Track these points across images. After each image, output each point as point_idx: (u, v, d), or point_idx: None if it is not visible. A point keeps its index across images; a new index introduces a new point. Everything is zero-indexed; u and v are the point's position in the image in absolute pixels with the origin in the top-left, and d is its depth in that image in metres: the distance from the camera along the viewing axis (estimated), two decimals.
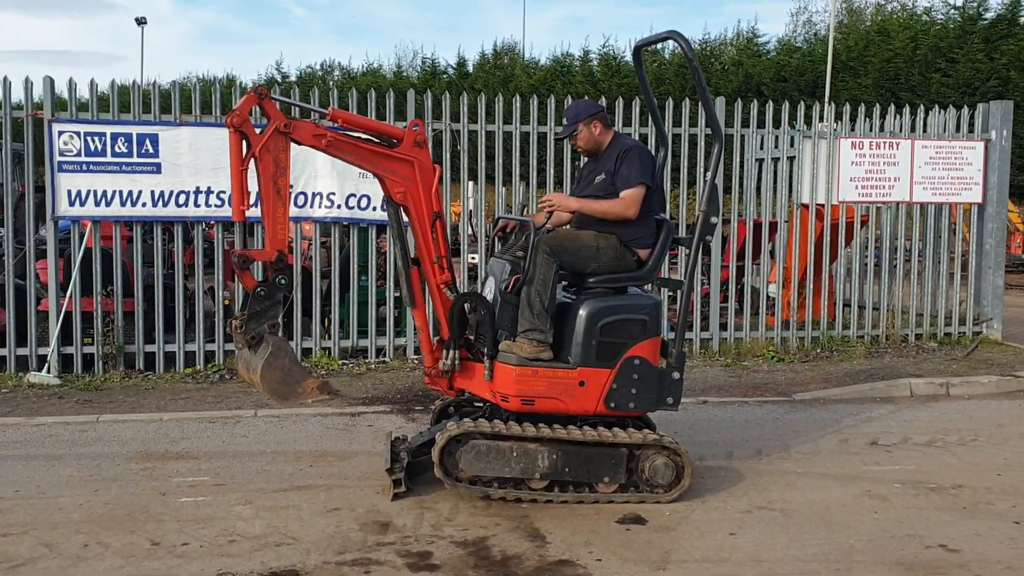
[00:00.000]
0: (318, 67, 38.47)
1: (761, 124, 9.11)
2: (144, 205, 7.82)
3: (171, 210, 7.84)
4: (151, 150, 7.83)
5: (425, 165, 4.55)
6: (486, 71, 33.51)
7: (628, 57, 30.23)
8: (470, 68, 34.88)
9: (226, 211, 7.89)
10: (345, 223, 8.41)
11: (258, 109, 4.40)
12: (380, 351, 8.48)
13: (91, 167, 7.74)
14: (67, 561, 3.90)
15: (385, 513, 4.49)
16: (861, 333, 9.38)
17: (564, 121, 5.05)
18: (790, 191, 9.21)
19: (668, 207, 8.62)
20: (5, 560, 3.87)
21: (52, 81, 7.77)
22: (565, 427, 4.64)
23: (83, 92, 7.90)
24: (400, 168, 4.51)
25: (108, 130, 7.75)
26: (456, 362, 4.69)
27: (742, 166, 9.38)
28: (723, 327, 9.06)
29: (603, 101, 8.59)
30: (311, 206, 8.20)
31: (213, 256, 8.25)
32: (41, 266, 7.87)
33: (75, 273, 7.59)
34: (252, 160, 4.27)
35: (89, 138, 7.73)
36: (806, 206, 9.24)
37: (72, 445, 5.70)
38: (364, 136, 4.58)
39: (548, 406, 4.67)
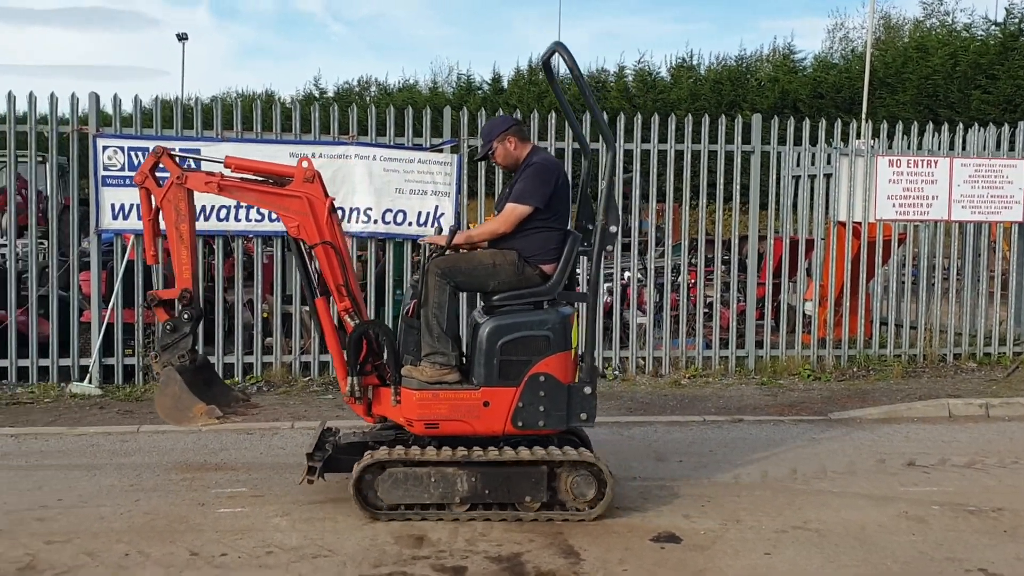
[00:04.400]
0: (355, 83, 38.77)
1: (798, 141, 9.07)
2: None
3: (212, 224, 7.97)
4: (193, 165, 7.94)
5: (316, 198, 4.69)
6: (521, 87, 33.57)
7: (664, 73, 30.24)
8: (505, 84, 35.01)
9: (266, 225, 8.01)
10: (381, 238, 8.50)
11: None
12: None
13: (134, 181, 7.88)
14: (109, 570, 3.97)
15: (419, 527, 4.53)
16: (898, 352, 9.28)
17: (480, 140, 5.10)
18: (827, 209, 9.15)
19: (703, 223, 8.67)
20: (49, 568, 3.96)
21: (97, 97, 7.95)
22: (484, 449, 4.64)
23: (126, 107, 8.07)
24: (292, 204, 4.69)
25: (151, 145, 7.87)
26: (356, 389, 4.72)
27: (778, 183, 9.34)
28: (759, 345, 9.01)
29: (638, 117, 8.63)
30: (348, 221, 8.28)
31: (252, 269, 8.37)
32: (84, 278, 8.03)
33: (117, 285, 7.74)
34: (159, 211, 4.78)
35: (133, 153, 7.89)
36: (843, 224, 9.18)
37: (113, 455, 5.80)
38: (257, 178, 4.82)
39: (453, 428, 4.67)
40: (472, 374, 4.71)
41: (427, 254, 4.83)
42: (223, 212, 7.95)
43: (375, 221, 8.34)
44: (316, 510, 4.75)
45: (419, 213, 8.38)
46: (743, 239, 9.33)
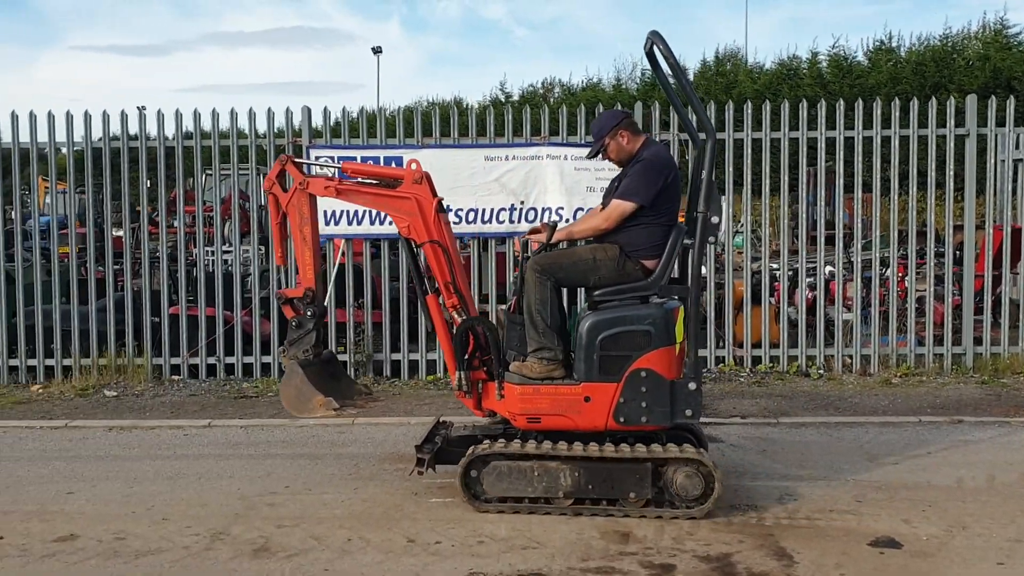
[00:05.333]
0: (539, 85, 39.28)
1: (1018, 122, 8.39)
2: (391, 223, 8.33)
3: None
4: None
5: (424, 199, 4.79)
6: (707, 78, 32.91)
7: (860, 57, 28.78)
8: (691, 76, 34.42)
9: (464, 227, 8.27)
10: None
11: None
12: None
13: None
14: (334, 554, 4.22)
15: (625, 524, 4.53)
16: None
17: (591, 139, 5.04)
18: None
19: (913, 212, 8.17)
20: (281, 550, 4.26)
21: (309, 110, 8.48)
22: (586, 444, 4.58)
23: (333, 119, 8.56)
24: (402, 205, 4.83)
25: (358, 154, 8.33)
26: (465, 383, 4.77)
27: (996, 167, 8.68)
28: (977, 342, 8.40)
29: (840, 104, 8.26)
30: (540, 221, 8.42)
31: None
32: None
33: (330, 287, 8.22)
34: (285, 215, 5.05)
35: (342, 162, 8.34)
36: None
37: (332, 446, 6.17)
38: (372, 181, 5.04)
39: (555, 423, 4.65)
40: (574, 369, 4.70)
41: (527, 249, 4.82)
42: None
43: (566, 220, 8.41)
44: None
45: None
46: (957, 229, 8.73)
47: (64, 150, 8.61)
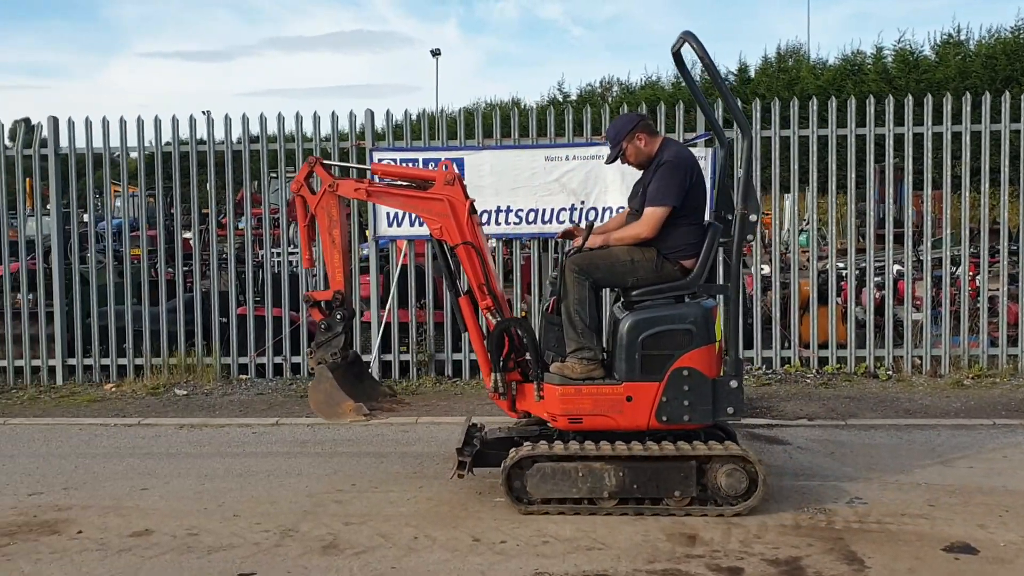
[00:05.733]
0: (597, 84, 39.19)
1: None
2: None
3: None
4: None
5: (457, 200, 4.78)
6: (769, 75, 32.47)
7: (927, 51, 28.13)
8: (752, 74, 33.98)
9: (524, 228, 8.30)
10: None
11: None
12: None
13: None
14: (400, 551, 4.26)
15: (691, 526, 4.50)
16: None
17: (608, 144, 5.02)
18: None
19: (985, 209, 7.95)
20: (349, 547, 4.31)
21: (372, 113, 8.58)
22: (629, 443, 4.59)
23: (389, 121, 8.64)
24: (434, 206, 4.82)
25: (420, 156, 8.41)
26: (500, 385, 4.78)
27: None
28: None
29: (909, 99, 8.08)
30: (601, 220, 8.39)
31: (512, 270, 8.68)
32: (363, 281, 8.68)
33: (393, 287, 8.31)
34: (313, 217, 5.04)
35: (404, 164, 8.43)
36: None
37: (396, 444, 6.23)
38: (403, 183, 5.04)
39: (597, 423, 4.66)
40: (614, 369, 4.68)
41: (565, 250, 4.86)
42: (484, 216, 8.28)
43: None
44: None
45: None
46: None
47: (134, 154, 8.86)
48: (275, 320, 8.53)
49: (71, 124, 8.63)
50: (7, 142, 8.82)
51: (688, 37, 4.71)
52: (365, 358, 8.43)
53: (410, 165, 8.37)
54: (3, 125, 8.76)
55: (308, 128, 8.65)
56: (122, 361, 8.63)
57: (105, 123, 8.63)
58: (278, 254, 9.06)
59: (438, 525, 4.58)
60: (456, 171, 4.91)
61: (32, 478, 5.52)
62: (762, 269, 8.92)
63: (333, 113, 8.53)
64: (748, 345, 8.36)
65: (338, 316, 4.98)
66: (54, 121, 8.66)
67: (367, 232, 8.75)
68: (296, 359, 8.56)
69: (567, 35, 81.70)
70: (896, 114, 8.11)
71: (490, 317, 4.84)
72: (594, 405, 4.67)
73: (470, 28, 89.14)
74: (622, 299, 5.01)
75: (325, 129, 8.53)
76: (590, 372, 4.70)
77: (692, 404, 4.60)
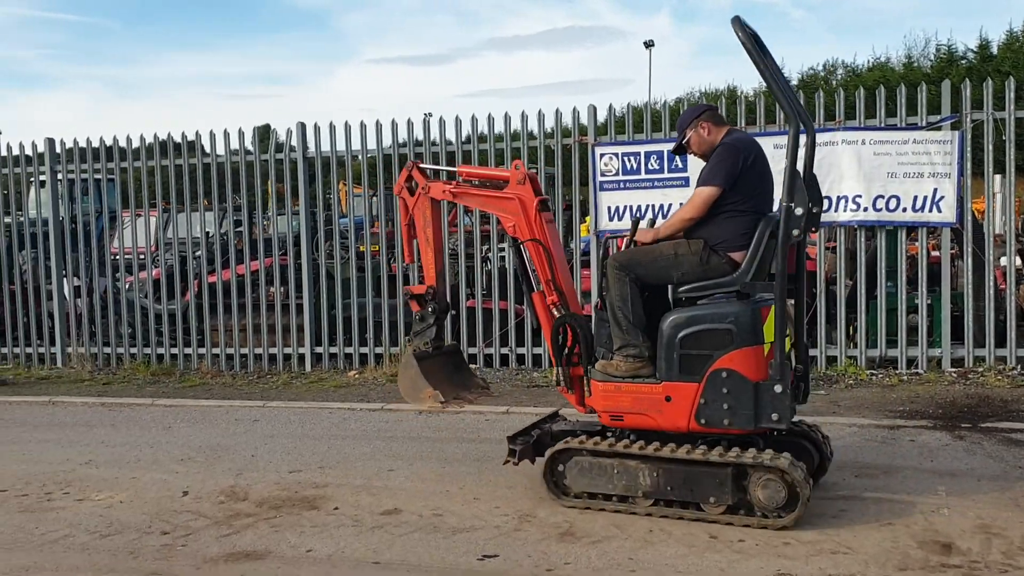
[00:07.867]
0: (820, 68, 37.54)
1: None
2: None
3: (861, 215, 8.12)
4: (680, 165, 8.30)
5: (526, 198, 4.85)
6: (1015, 51, 29.83)
7: None
8: (994, 50, 31.35)
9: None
10: (870, 225, 8.11)
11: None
12: (911, 362, 8.01)
13: (627, 185, 8.46)
14: (636, 544, 4.29)
15: (945, 534, 4.24)
16: None
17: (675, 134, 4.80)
18: None
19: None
20: (585, 536, 4.40)
21: (595, 108, 8.66)
22: (664, 445, 4.47)
23: (611, 115, 8.68)
24: (507, 205, 4.93)
25: (642, 150, 8.41)
26: (563, 379, 4.82)
27: None
28: None
29: None
30: (835, 210, 8.05)
31: None
32: (585, 274, 8.79)
33: (597, 279, 8.36)
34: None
35: (626, 158, 8.46)
36: None
37: None
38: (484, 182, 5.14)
39: (637, 421, 4.60)
40: (656, 367, 4.50)
41: (603, 250, 4.73)
42: None
43: (864, 209, 8.00)
44: (829, 506, 4.68)
45: (915, 197, 7.87)
46: None
47: (360, 157, 9.44)
48: (502, 313, 8.81)
49: (317, 129, 9.31)
50: (248, 146, 9.61)
51: (735, 25, 4.33)
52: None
53: (631, 159, 8.41)
54: (243, 132, 9.57)
55: (532, 125, 8.86)
56: (363, 350, 9.22)
57: (332, 128, 9.25)
58: (501, 250, 9.35)
59: (673, 519, 4.56)
60: (526, 170, 4.98)
61: (291, 456, 6.03)
62: (1015, 262, 8.23)
63: (557, 111, 8.72)
64: (1000, 343, 7.76)
65: (431, 309, 5.24)
66: (301, 127, 9.38)
67: (583, 226, 8.87)
68: (521, 350, 8.80)
69: (787, 18, 78.71)
70: None
71: (555, 312, 4.89)
72: (634, 403, 4.59)
73: (683, 17, 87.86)
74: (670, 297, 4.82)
75: (548, 124, 8.71)
76: (637, 370, 4.60)
77: (732, 408, 4.38)
